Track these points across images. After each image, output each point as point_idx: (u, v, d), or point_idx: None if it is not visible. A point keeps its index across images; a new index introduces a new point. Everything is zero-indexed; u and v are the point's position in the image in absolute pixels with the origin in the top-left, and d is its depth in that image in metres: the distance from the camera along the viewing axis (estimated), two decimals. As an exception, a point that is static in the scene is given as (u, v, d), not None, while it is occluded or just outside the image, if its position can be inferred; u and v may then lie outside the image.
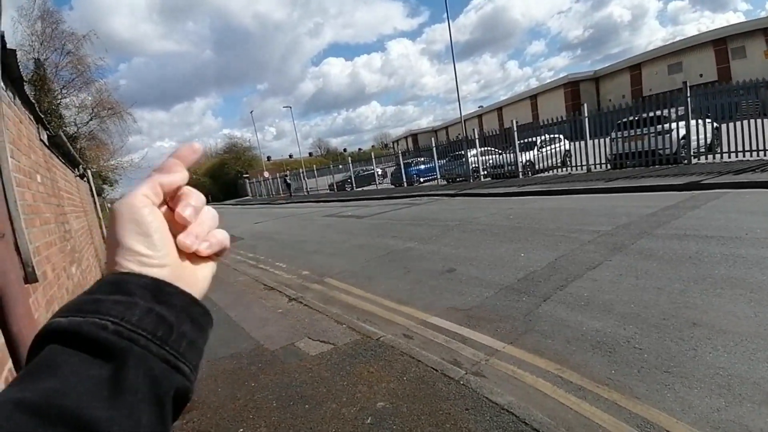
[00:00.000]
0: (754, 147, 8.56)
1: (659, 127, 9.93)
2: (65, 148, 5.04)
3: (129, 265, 0.32)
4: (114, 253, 0.32)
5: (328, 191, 25.64)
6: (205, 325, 0.33)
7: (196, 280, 0.35)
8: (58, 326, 0.27)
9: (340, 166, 26.79)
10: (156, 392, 0.27)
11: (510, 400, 2.24)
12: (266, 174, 37.34)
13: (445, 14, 42.10)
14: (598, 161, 11.51)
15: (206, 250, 0.36)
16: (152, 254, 0.32)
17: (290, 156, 63.60)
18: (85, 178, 8.96)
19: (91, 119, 19.56)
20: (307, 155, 66.29)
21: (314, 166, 28.80)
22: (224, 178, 50.96)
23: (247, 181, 44.53)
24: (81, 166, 7.70)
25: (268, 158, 60.24)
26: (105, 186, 25.35)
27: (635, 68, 36.15)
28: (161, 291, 0.31)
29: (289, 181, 30.20)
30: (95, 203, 9.81)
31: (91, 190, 9.43)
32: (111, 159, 23.02)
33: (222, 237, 0.37)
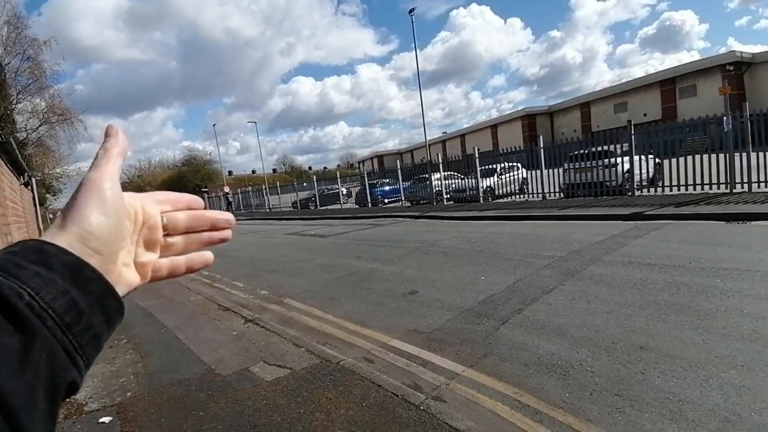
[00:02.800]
0: (698, 181, 9.33)
1: (606, 161, 10.69)
2: (14, 155, 4.67)
3: (69, 231, 0.31)
4: (66, 215, 0.32)
5: (292, 209, 25.20)
6: (114, 320, 0.32)
7: (121, 279, 0.35)
8: None
9: (305, 184, 26.49)
10: (53, 381, 0.27)
11: (469, 425, 2.23)
12: (227, 189, 36.29)
13: (413, 44, 43.67)
14: (552, 189, 12.16)
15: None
16: (99, 236, 0.32)
17: (253, 171, 62.21)
18: (30, 187, 8.34)
19: (41, 125, 18.60)
20: (271, 171, 65.20)
21: (278, 182, 28.24)
22: (181, 192, 48.88)
23: (206, 195, 42.99)
24: (26, 174, 7.15)
25: (230, 173, 58.61)
26: (48, 195, 23.64)
27: (585, 105, 39.03)
28: (82, 274, 0.30)
29: (230, 199, 29.97)
30: (37, 213, 9.10)
31: (34, 199, 8.75)
32: (57, 167, 21.69)
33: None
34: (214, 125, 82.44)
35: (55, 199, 25.40)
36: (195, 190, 47.51)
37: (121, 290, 0.34)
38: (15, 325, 0.26)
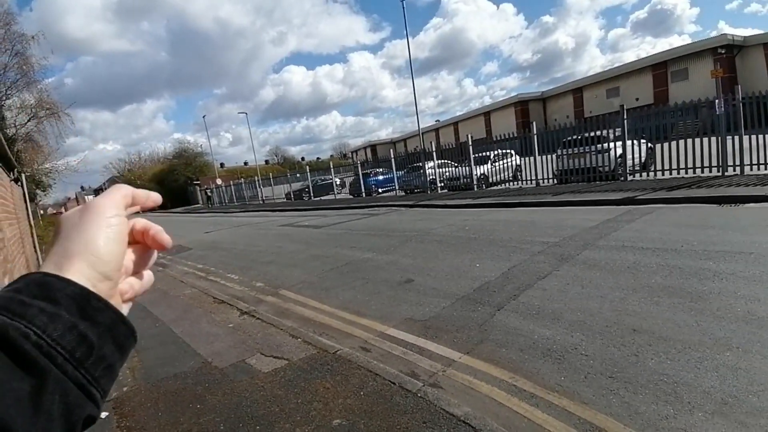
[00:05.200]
0: (689, 165, 9.37)
1: (599, 146, 10.71)
2: (3, 151, 4.58)
3: (81, 261, 0.31)
4: (70, 241, 0.32)
5: (285, 200, 25.06)
6: (127, 347, 0.32)
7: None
8: None
9: (298, 175, 26.30)
10: (68, 420, 0.27)
11: (467, 411, 2.25)
12: (219, 181, 35.95)
13: (405, 31, 43.15)
14: (546, 176, 12.18)
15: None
16: (109, 261, 0.32)
17: (245, 163, 61.63)
18: (20, 183, 8.22)
19: (29, 120, 18.36)
20: (264, 163, 64.62)
21: (270, 174, 28.02)
22: (173, 185, 48.27)
23: (198, 188, 42.59)
24: (16, 170, 7.04)
25: (222, 165, 58.01)
26: (38, 191, 23.34)
27: (577, 91, 38.91)
28: (89, 304, 0.30)
29: (209, 194, 30.07)
30: (27, 209, 8.99)
31: (24, 195, 8.62)
32: (46, 162, 21.44)
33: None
34: (204, 117, 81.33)
35: (45, 195, 25.12)
36: (186, 183, 47.07)
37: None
38: (24, 368, 0.26)
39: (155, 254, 0.39)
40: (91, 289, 0.31)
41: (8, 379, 0.25)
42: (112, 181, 66.40)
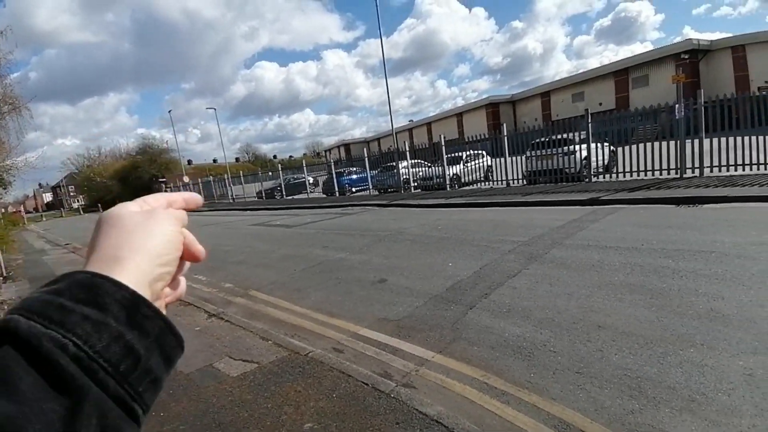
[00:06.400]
0: (649, 167, 9.82)
1: (565, 148, 11.08)
2: None
3: (142, 255, 0.30)
4: (133, 236, 0.31)
5: (257, 199, 24.50)
6: (174, 358, 0.30)
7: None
8: (17, 329, 0.24)
9: (270, 173, 25.79)
10: None
11: (439, 410, 2.25)
12: (186, 179, 34.73)
13: (379, 31, 43.05)
14: (516, 176, 12.48)
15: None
16: (168, 263, 0.32)
17: (214, 160, 59.75)
18: None
19: None
20: (234, 161, 62.94)
21: (241, 172, 27.29)
22: (136, 182, 46.24)
23: (164, 186, 40.96)
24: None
25: (189, 162, 56.01)
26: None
27: (545, 95, 40.18)
28: (138, 311, 0.28)
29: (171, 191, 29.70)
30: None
31: None
32: (6, 159, 20.12)
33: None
34: (170, 111, 78.35)
35: (5, 192, 23.57)
36: (151, 180, 45.22)
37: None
38: (59, 386, 0.23)
39: (187, 262, 0.38)
40: (147, 288, 0.29)
41: (39, 400, 0.22)
42: (71, 177, 62.78)
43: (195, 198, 0.39)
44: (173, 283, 0.36)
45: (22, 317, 0.24)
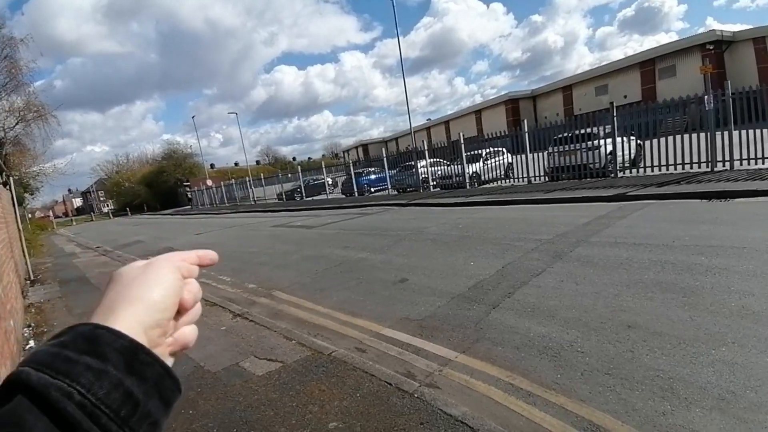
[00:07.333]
0: (678, 161, 9.46)
1: (589, 143, 10.78)
2: None
3: (137, 304, 0.33)
4: (129, 288, 0.34)
5: (277, 201, 24.87)
6: (172, 401, 0.32)
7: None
8: (28, 381, 0.27)
9: (290, 175, 26.11)
10: None
11: (464, 410, 2.23)
12: (209, 182, 35.57)
13: (396, 31, 43.02)
14: (537, 173, 12.23)
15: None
16: (164, 309, 0.34)
17: (236, 164, 61.00)
18: (8, 186, 8.07)
19: (17, 123, 18.13)
20: (255, 163, 64.09)
21: (262, 174, 27.78)
22: (162, 187, 47.66)
23: (188, 189, 42.12)
24: (4, 173, 6.89)
25: (212, 166, 57.41)
26: (26, 194, 22.99)
27: (567, 89, 39.23)
28: (136, 358, 0.30)
29: (189, 195, 30.34)
30: (16, 213, 8.85)
31: (12, 199, 8.46)
32: (33, 165, 21.17)
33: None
34: (193, 117, 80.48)
35: (33, 198, 24.77)
36: (176, 185, 46.53)
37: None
38: (65, 431, 0.25)
39: (199, 311, 0.41)
40: (142, 335, 0.32)
41: None
42: (100, 183, 65.34)
43: (209, 255, 0.42)
44: (178, 332, 0.38)
45: (33, 369, 0.27)
